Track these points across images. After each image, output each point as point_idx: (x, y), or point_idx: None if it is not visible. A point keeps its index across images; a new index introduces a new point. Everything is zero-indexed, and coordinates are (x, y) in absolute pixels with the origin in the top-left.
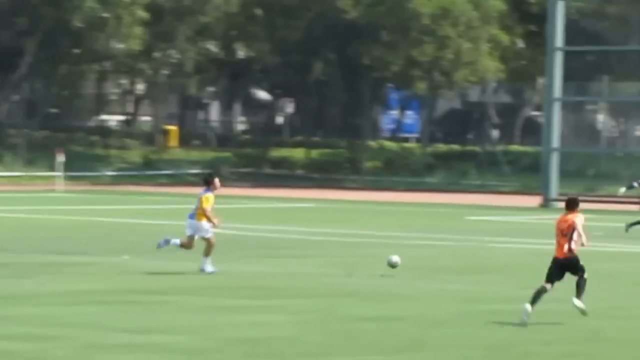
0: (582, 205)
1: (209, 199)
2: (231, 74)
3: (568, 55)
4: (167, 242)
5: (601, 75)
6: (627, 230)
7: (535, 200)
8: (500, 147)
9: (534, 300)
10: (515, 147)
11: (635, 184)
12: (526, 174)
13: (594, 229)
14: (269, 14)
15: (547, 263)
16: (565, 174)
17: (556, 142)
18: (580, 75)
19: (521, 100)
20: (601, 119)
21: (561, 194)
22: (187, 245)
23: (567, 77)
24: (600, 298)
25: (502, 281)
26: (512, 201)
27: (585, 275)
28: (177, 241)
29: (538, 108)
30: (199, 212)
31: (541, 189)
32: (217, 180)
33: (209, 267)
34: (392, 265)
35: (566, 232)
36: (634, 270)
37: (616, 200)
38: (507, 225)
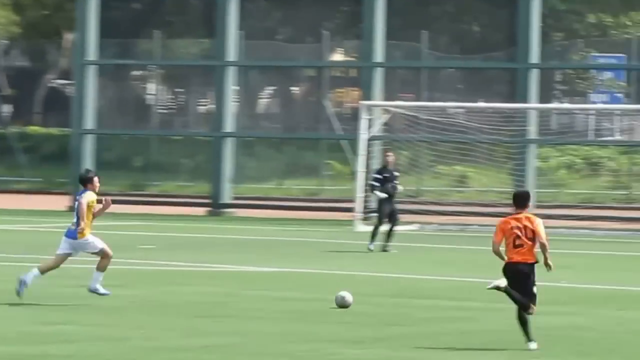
0: (125, 208)
1: (90, 202)
2: None
3: (105, 4)
4: (24, 283)
5: (152, 30)
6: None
7: (62, 202)
8: (14, 129)
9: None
10: (35, 129)
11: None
12: (51, 165)
13: (149, 240)
14: None
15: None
16: (105, 166)
17: (91, 121)
18: (124, 31)
19: (43, 64)
20: (153, 89)
21: (101, 194)
22: (52, 265)
23: (106, 33)
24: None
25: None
26: (33, 203)
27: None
28: (36, 272)
29: (66, 75)
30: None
31: (69, 185)
32: (96, 179)
33: (101, 289)
34: (343, 305)
35: (531, 236)
36: (194, 296)
37: (173, 200)
38: (26, 236)
